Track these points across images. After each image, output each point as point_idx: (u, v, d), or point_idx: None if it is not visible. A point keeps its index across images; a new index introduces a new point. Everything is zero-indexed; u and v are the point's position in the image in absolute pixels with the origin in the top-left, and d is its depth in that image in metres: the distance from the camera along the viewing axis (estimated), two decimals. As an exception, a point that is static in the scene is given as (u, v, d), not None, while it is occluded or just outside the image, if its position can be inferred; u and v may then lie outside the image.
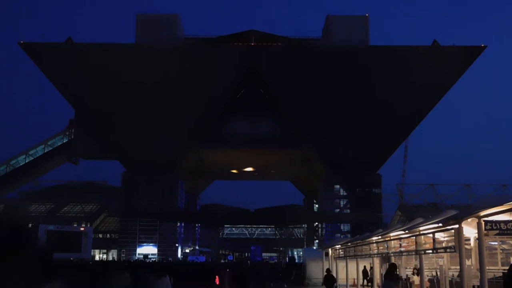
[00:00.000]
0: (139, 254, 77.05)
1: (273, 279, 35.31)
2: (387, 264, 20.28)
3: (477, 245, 13.11)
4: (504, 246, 17.99)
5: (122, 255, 76.27)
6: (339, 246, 29.32)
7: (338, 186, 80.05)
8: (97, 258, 77.94)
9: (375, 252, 21.43)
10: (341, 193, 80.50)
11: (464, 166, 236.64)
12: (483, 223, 11.25)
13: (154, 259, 71.41)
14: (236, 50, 76.19)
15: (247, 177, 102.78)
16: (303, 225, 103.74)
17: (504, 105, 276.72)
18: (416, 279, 21.71)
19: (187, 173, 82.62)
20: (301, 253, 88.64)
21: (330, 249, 32.58)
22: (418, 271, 19.99)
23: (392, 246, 18.54)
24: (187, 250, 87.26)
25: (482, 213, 11.15)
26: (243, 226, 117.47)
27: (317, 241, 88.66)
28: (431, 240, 13.92)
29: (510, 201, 10.44)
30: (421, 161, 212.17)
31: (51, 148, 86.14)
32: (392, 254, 19.46)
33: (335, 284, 25.88)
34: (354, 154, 74.31)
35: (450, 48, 75.22)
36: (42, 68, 76.40)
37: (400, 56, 73.67)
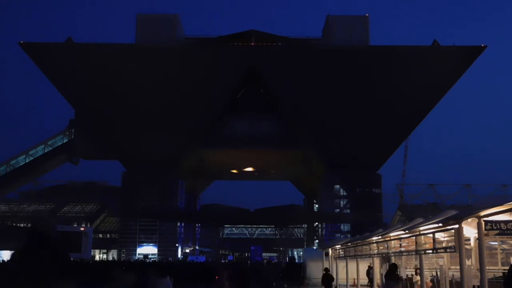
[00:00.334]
0: (139, 254, 77.06)
1: (275, 279, 35.31)
2: (387, 264, 20.30)
3: (477, 245, 13.12)
4: (504, 246, 17.99)
5: (122, 255, 76.27)
6: (339, 246, 29.34)
7: (338, 186, 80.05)
8: (97, 258, 77.94)
9: (375, 252, 21.44)
10: (341, 193, 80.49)
11: (464, 166, 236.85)
12: (483, 223, 11.25)
13: (154, 259, 71.39)
14: (236, 50, 76.19)
15: (247, 177, 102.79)
16: (303, 225, 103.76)
17: (504, 105, 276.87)
18: (419, 279, 21.71)
19: (187, 173, 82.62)
20: (301, 253, 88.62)
21: (330, 249, 32.60)
22: (420, 271, 20.00)
23: (392, 246, 18.55)
24: (187, 250, 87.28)
25: (482, 213, 11.15)
26: (243, 226, 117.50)
27: (317, 241, 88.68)
28: (431, 240, 13.93)
29: (510, 201, 10.45)
30: (421, 161, 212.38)
31: (51, 148, 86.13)
32: (392, 254, 19.47)
33: (333, 283, 25.99)
34: (354, 154, 74.31)
35: (450, 48, 75.21)
36: (42, 68, 76.40)
37: (400, 56, 73.68)
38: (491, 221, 11.26)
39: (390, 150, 78.79)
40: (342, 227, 79.94)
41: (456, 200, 79.76)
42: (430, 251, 14.39)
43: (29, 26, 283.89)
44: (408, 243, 16.67)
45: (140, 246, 78.23)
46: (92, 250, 63.30)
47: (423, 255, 15.73)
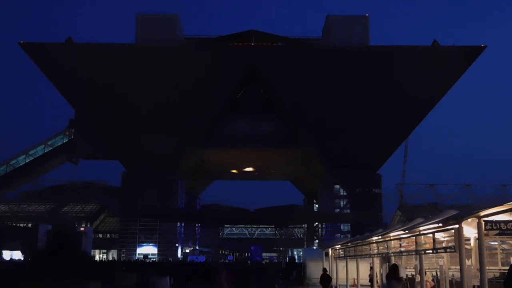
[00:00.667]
0: (139, 254, 77.07)
1: (278, 280, 35.34)
2: (387, 264, 20.29)
3: (477, 245, 13.11)
4: (504, 246, 17.98)
5: (122, 255, 76.28)
6: (339, 246, 29.33)
7: (338, 186, 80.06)
8: (97, 258, 77.95)
9: (375, 252, 21.44)
10: (341, 193, 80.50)
11: (464, 166, 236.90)
12: (483, 223, 11.25)
13: (154, 259, 71.41)
14: (236, 50, 76.20)
15: (247, 177, 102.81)
16: (303, 225, 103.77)
17: (504, 105, 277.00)
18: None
19: (187, 173, 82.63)
20: (301, 253, 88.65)
21: (330, 249, 32.59)
22: (424, 271, 19.99)
23: (392, 246, 18.54)
24: (187, 250, 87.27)
25: (482, 213, 11.15)
26: (243, 226, 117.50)
27: (317, 241, 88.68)
28: (431, 240, 13.92)
29: (510, 201, 10.44)
30: (421, 161, 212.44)
31: (51, 148, 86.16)
32: (392, 254, 19.46)
33: (331, 283, 26.18)
34: (354, 154, 74.32)
35: (450, 48, 75.23)
36: (42, 68, 76.41)
37: (400, 56, 73.69)
38: (491, 221, 11.25)
39: (390, 150, 78.80)
40: (342, 227, 79.94)
41: (456, 200, 79.85)
42: (430, 251, 14.38)
43: (29, 26, 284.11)
44: (408, 243, 16.67)
45: (140, 246, 78.23)
46: (92, 250, 63.33)
47: (423, 255, 15.72)
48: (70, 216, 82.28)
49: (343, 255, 28.24)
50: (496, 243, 16.96)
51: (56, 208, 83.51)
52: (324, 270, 26.78)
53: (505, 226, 11.29)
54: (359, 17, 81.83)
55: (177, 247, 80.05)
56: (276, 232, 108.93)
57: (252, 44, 78.68)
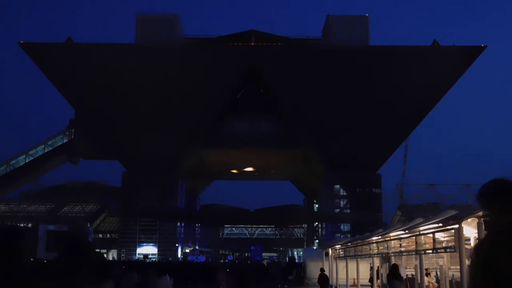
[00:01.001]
0: (139, 254, 77.06)
1: (280, 280, 35.32)
2: (387, 264, 20.30)
3: (477, 245, 13.08)
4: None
5: (122, 255, 76.27)
6: (339, 246, 29.36)
7: (338, 186, 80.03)
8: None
9: (375, 252, 21.45)
10: (341, 193, 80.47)
11: (464, 166, 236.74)
12: (483, 223, 11.25)
13: (154, 259, 71.41)
14: (236, 50, 76.18)
15: (247, 177, 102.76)
16: (303, 225, 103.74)
17: (504, 105, 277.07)
18: (426, 279, 21.71)
19: (187, 173, 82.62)
20: (301, 253, 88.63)
21: (330, 249, 32.62)
22: (427, 271, 20.00)
23: (392, 246, 18.56)
24: (187, 250, 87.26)
25: (482, 213, 11.15)
26: (243, 226, 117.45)
27: (317, 241, 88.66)
28: (431, 240, 13.93)
29: (510, 201, 10.43)
30: (421, 161, 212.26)
31: (51, 148, 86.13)
32: (392, 254, 19.48)
33: (329, 283, 26.91)
34: (354, 154, 74.29)
35: (450, 48, 75.22)
36: (42, 68, 76.39)
37: (400, 56, 73.68)
38: (491, 221, 11.24)
39: (390, 150, 78.78)
40: (342, 227, 79.92)
41: (456, 200, 79.81)
42: (430, 251, 14.39)
43: (29, 26, 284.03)
44: (408, 243, 16.68)
45: (140, 246, 78.22)
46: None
47: (423, 255, 15.73)
48: (70, 216, 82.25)
49: (343, 255, 28.27)
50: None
51: (56, 208, 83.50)
52: (322, 270, 27.09)
53: (505, 226, 11.28)
54: (359, 17, 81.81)
55: (177, 247, 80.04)
56: (276, 232, 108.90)
57: (252, 44, 78.66)
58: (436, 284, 21.03)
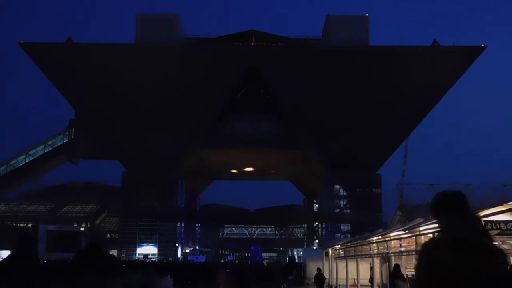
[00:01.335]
0: (139, 254, 77.05)
1: (282, 281, 35.31)
2: (387, 264, 20.31)
3: (477, 245, 13.10)
4: (504, 246, 17.99)
5: (122, 255, 76.26)
6: (339, 246, 29.37)
7: (338, 186, 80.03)
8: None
9: (375, 252, 21.46)
10: (341, 193, 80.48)
11: (464, 166, 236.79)
12: (483, 223, 11.26)
13: (154, 259, 71.42)
14: (236, 50, 76.18)
15: (247, 177, 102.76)
16: (303, 225, 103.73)
17: (504, 105, 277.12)
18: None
19: (187, 173, 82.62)
20: (301, 253, 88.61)
21: (330, 249, 32.63)
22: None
23: (392, 246, 18.56)
24: (187, 250, 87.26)
25: (482, 213, 11.16)
26: (243, 226, 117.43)
27: (317, 241, 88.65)
28: (431, 240, 13.91)
29: (510, 201, 10.46)
30: (421, 161, 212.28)
31: (51, 148, 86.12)
32: (392, 254, 19.48)
33: (325, 282, 27.65)
34: (354, 154, 74.30)
35: (450, 48, 75.22)
36: (42, 68, 76.39)
37: (400, 56, 73.68)
38: (491, 221, 11.28)
39: (390, 150, 78.79)
40: (342, 227, 79.92)
41: (456, 200, 79.65)
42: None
43: (29, 26, 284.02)
44: (408, 243, 16.68)
45: (140, 246, 78.21)
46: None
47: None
48: (70, 216, 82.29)
49: (343, 255, 28.28)
50: (496, 243, 16.96)
51: (56, 208, 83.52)
52: (318, 269, 27.87)
53: (505, 226, 11.32)
54: (359, 17, 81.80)
55: (177, 247, 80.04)
56: (276, 232, 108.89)
57: (252, 44, 78.64)
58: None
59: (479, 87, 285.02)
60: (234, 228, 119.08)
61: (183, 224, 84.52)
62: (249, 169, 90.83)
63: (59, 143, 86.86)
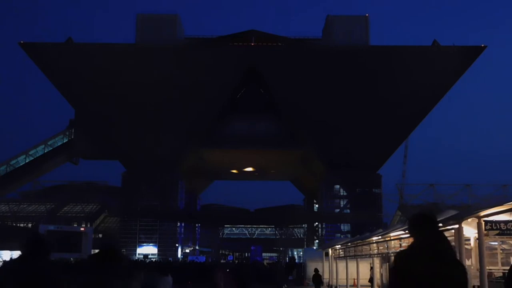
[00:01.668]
0: (139, 254, 77.05)
1: (285, 281, 35.29)
2: (387, 264, 20.29)
3: (477, 245, 13.12)
4: (504, 246, 17.99)
5: (122, 255, 76.18)
6: (339, 246, 29.38)
7: (338, 186, 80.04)
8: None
9: (375, 252, 21.45)
10: (341, 193, 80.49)
11: (464, 166, 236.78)
12: (483, 223, 11.27)
13: (154, 259, 71.40)
14: (236, 50, 76.17)
15: (247, 177, 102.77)
16: (303, 225, 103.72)
17: (504, 105, 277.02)
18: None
19: (187, 173, 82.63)
20: (301, 253, 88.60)
21: (330, 249, 32.63)
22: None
23: (392, 246, 18.55)
24: (187, 250, 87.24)
25: (482, 213, 11.17)
26: (243, 226, 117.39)
27: (317, 241, 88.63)
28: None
29: (510, 201, 10.46)
30: (421, 161, 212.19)
31: (51, 148, 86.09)
32: (392, 254, 19.46)
33: (322, 282, 28.34)
34: (354, 154, 74.32)
35: (450, 48, 75.22)
36: (42, 68, 76.41)
37: (400, 56, 73.68)
38: (491, 221, 11.27)
39: (390, 150, 78.80)
40: (342, 227, 79.93)
41: (456, 200, 79.75)
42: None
43: (29, 26, 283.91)
44: (408, 243, 16.65)
45: (140, 246, 78.22)
46: (92, 250, 63.31)
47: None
48: (70, 216, 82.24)
49: (343, 255, 28.27)
50: (496, 243, 16.97)
51: (56, 208, 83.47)
52: (316, 270, 28.24)
53: (505, 226, 11.32)
54: (359, 17, 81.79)
55: (177, 247, 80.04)
56: (276, 232, 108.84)
57: (252, 44, 78.61)
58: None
59: (479, 87, 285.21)
60: (234, 228, 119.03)
61: (183, 224, 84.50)
62: (249, 169, 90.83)
63: (59, 143, 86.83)
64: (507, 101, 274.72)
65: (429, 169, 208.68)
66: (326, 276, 33.76)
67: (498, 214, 10.92)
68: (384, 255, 20.99)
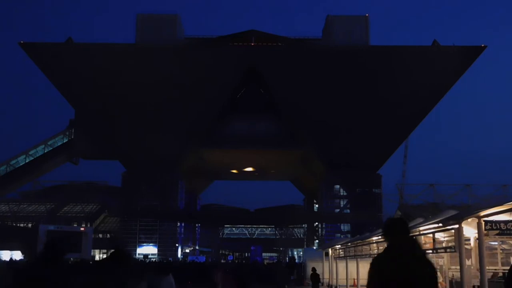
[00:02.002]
0: (139, 254, 77.05)
1: (287, 281, 35.26)
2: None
3: (477, 245, 13.12)
4: (504, 246, 17.99)
5: (122, 255, 76.21)
6: (339, 246, 29.37)
7: (338, 186, 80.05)
8: (97, 258, 77.89)
9: (375, 252, 21.44)
10: (341, 193, 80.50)
11: (464, 166, 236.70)
12: (483, 223, 11.26)
13: (154, 259, 71.40)
14: (236, 50, 76.17)
15: (247, 177, 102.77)
16: (303, 225, 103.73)
17: (504, 105, 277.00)
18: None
19: (187, 173, 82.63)
20: (301, 253, 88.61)
21: (330, 249, 32.62)
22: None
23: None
24: (187, 250, 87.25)
25: (482, 213, 11.16)
26: (243, 226, 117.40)
27: (317, 241, 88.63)
28: (431, 240, 13.93)
29: (510, 201, 10.45)
30: (421, 161, 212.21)
31: (51, 148, 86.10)
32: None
33: (320, 281, 28.67)
34: (354, 154, 74.32)
35: (450, 48, 75.22)
36: (42, 68, 76.41)
37: (400, 56, 73.67)
38: (491, 221, 11.27)
39: (390, 150, 78.81)
40: (342, 227, 79.93)
41: (456, 200, 79.72)
42: (430, 251, 14.39)
43: (29, 26, 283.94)
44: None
45: (140, 246, 78.22)
46: (92, 250, 63.34)
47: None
48: (70, 216, 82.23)
49: (343, 255, 28.27)
50: (496, 243, 16.97)
51: (56, 208, 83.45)
52: (313, 269, 28.33)
53: (505, 226, 11.31)
54: (359, 17, 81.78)
55: (177, 247, 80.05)
56: (276, 232, 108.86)
57: (252, 44, 78.61)
58: (444, 284, 20.99)
59: (479, 87, 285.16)
60: (234, 228, 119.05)
61: (183, 224, 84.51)
62: (249, 169, 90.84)
63: (59, 143, 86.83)
64: (507, 101, 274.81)
65: (429, 169, 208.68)
66: (326, 276, 33.76)
67: (498, 214, 10.91)
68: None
